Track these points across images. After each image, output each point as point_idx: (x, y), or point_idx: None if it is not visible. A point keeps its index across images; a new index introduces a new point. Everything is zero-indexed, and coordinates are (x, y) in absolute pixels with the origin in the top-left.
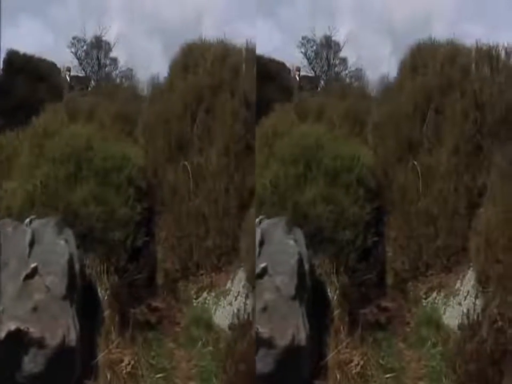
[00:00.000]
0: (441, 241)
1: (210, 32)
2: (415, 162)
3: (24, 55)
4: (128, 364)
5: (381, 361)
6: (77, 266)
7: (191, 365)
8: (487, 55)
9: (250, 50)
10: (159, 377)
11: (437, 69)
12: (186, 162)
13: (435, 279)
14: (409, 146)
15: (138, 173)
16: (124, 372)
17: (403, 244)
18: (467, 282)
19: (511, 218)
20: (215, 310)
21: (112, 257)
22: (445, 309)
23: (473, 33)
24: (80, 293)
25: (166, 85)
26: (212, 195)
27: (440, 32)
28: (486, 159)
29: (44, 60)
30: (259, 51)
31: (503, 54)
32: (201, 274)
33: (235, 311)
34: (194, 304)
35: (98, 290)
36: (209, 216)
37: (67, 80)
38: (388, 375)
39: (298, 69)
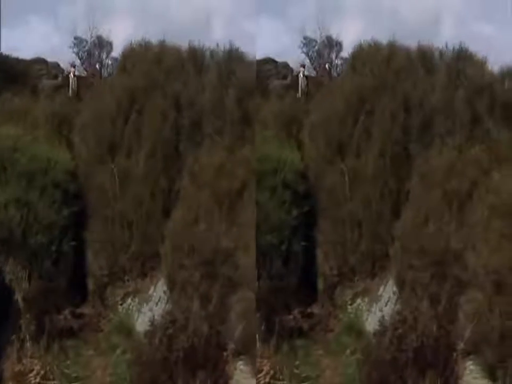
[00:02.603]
0: (365, 246)
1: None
2: (343, 166)
3: None
4: (38, 374)
5: (295, 370)
6: None
7: (106, 373)
8: (422, 57)
9: (191, 52)
10: None
11: (373, 71)
12: (113, 165)
13: (361, 285)
14: (339, 148)
15: (66, 175)
16: (33, 382)
17: (330, 249)
18: (389, 288)
19: (425, 224)
20: (138, 316)
21: (35, 262)
22: (367, 315)
23: (482, 33)
24: None
25: (103, 86)
26: (137, 199)
27: (449, 32)
28: (411, 163)
29: None
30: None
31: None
32: (127, 280)
33: (155, 317)
34: (120, 310)
35: (17, 296)
36: (134, 221)
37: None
38: None
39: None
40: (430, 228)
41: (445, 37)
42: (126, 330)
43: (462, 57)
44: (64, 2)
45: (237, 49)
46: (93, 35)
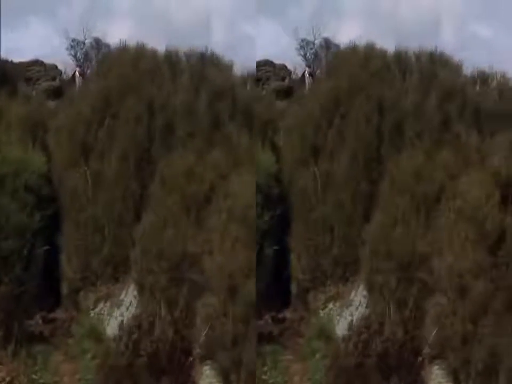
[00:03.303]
0: (337, 250)
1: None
2: (315, 169)
3: None
4: (3, 381)
5: None
6: None
7: (75, 378)
8: (398, 60)
9: (168, 55)
10: None
11: (349, 73)
12: (86, 168)
13: (333, 289)
14: (313, 151)
15: (39, 178)
16: None
17: (303, 253)
18: (360, 292)
19: (393, 227)
20: (109, 321)
21: (6, 267)
22: (338, 319)
23: (482, 35)
24: None
25: (79, 88)
26: (109, 203)
27: (449, 34)
28: (383, 166)
29: None
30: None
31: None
32: (100, 285)
33: (125, 321)
34: (92, 315)
35: None
36: (106, 225)
37: None
38: None
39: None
40: (397, 232)
41: (444, 39)
42: (96, 335)
43: (437, 61)
44: (63, 3)
45: (212, 53)
46: (86, 37)
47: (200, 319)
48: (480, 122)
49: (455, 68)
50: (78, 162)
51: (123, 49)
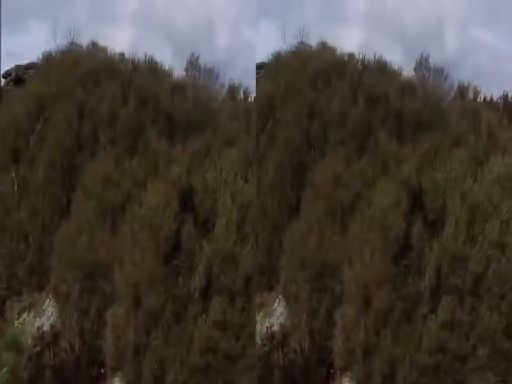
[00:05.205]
0: (33, 258)
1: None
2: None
3: None
4: None
5: None
6: None
7: None
8: (335, 66)
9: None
10: None
11: (285, 77)
12: (14, 174)
13: (28, 298)
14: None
15: None
16: None
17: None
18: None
19: (308, 236)
20: (31, 331)
21: None
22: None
23: (483, 39)
24: None
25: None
26: (34, 210)
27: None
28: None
29: None
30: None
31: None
32: (25, 293)
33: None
34: (16, 325)
35: None
36: (30, 232)
37: None
38: None
39: None
40: (312, 240)
41: (447, 44)
42: (16, 346)
43: (370, 68)
44: (63, 8)
45: (150, 60)
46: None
47: (108, 329)
48: (400, 131)
49: (393, 75)
50: (8, 168)
51: (65, 54)
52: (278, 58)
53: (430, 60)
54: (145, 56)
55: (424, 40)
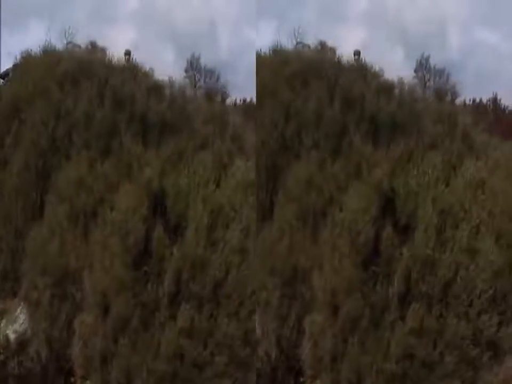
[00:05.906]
0: (6, 263)
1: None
2: None
3: None
4: None
5: None
6: None
7: None
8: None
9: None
10: None
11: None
12: None
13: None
14: None
15: None
16: None
17: None
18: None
19: (280, 241)
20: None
21: None
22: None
23: (486, 39)
24: None
25: None
26: (7, 214)
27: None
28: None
29: None
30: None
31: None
32: None
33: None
34: None
35: None
36: (4, 236)
37: None
38: None
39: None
40: (283, 245)
41: (449, 45)
42: None
43: (347, 69)
44: (62, 7)
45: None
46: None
47: (76, 337)
48: (375, 133)
49: (373, 76)
50: None
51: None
52: (258, 59)
53: (431, 60)
54: (125, 56)
55: (426, 40)
